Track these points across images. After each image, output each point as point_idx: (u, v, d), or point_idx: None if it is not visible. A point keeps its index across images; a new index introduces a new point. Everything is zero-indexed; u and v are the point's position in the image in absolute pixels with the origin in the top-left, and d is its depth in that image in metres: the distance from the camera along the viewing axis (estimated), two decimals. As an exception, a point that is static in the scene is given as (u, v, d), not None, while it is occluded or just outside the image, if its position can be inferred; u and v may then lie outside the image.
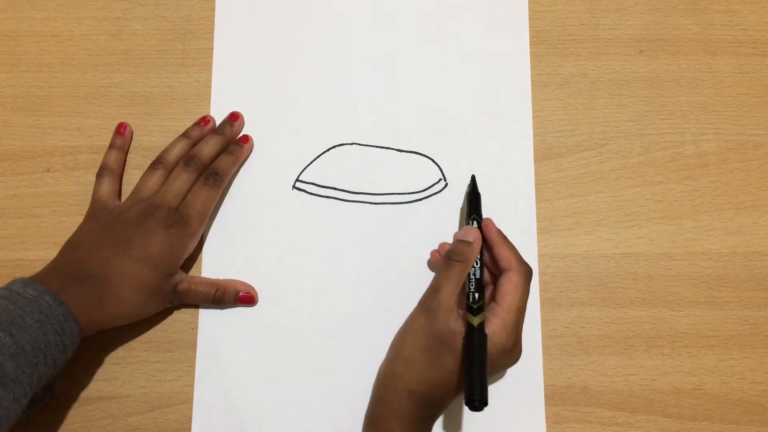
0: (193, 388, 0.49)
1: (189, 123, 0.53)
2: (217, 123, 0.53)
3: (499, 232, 0.47)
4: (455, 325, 0.43)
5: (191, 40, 0.55)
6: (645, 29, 0.55)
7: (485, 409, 0.40)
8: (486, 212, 0.50)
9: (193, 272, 0.51)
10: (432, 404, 0.43)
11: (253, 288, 0.50)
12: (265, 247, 0.51)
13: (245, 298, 0.50)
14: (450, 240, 0.50)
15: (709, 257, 0.51)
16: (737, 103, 0.54)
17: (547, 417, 0.49)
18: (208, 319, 0.50)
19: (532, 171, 0.53)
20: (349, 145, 0.53)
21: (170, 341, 0.50)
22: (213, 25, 0.55)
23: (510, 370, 0.49)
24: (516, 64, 0.55)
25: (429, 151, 0.53)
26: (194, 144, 0.52)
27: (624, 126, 0.54)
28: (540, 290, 0.50)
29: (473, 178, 0.50)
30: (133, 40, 0.55)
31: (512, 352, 0.44)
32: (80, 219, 0.51)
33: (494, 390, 0.49)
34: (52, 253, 0.51)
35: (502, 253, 0.45)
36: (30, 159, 0.53)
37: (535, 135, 0.53)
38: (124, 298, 0.45)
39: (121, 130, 0.53)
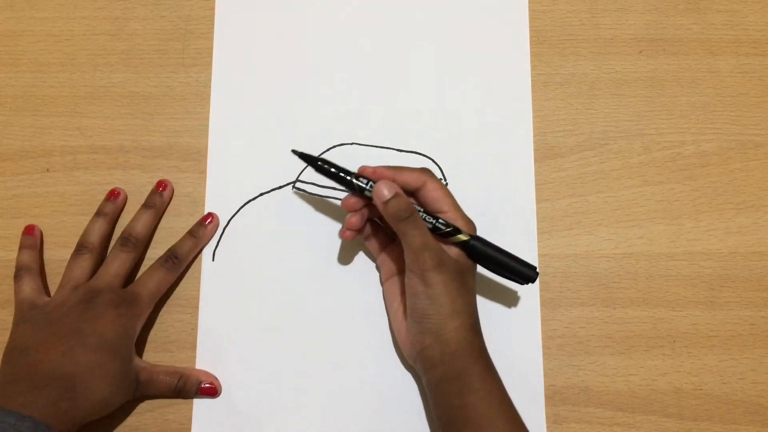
0: (193, 388, 0.49)
1: (189, 123, 0.53)
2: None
3: (386, 166, 0.46)
4: (452, 253, 0.45)
5: (191, 40, 0.55)
6: (645, 29, 0.55)
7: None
8: (486, 212, 0.50)
9: (192, 274, 0.51)
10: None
11: (216, 379, 0.49)
12: (265, 247, 0.51)
13: (207, 390, 0.48)
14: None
15: (709, 257, 0.51)
16: (737, 103, 0.54)
17: (547, 417, 0.49)
18: (208, 319, 0.50)
19: (532, 171, 0.53)
20: (349, 145, 0.53)
21: (170, 341, 0.50)
22: (213, 25, 0.55)
23: (510, 371, 0.49)
24: (516, 64, 0.54)
25: (429, 151, 0.53)
26: (112, 221, 0.50)
27: (624, 126, 0.53)
28: (540, 290, 0.50)
29: (298, 155, 0.46)
30: (133, 40, 0.55)
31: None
32: (81, 219, 0.51)
33: (494, 390, 0.49)
34: (52, 254, 0.51)
35: (405, 177, 0.45)
36: (30, 159, 0.53)
37: (535, 135, 0.53)
38: (94, 390, 0.43)
39: (29, 231, 0.50)
